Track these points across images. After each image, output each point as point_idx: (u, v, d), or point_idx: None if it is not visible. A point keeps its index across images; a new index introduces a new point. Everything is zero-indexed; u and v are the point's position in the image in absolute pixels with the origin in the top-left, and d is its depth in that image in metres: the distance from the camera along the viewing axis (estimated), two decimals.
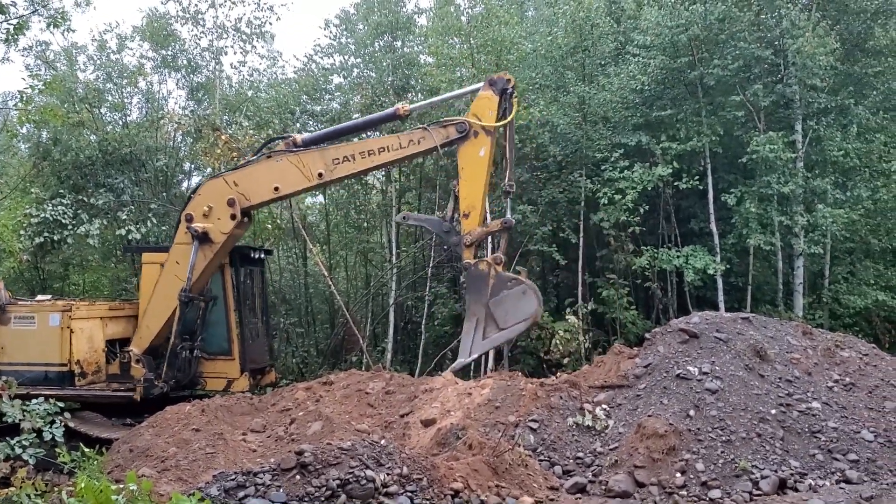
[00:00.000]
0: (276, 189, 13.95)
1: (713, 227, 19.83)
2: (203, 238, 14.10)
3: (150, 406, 13.84)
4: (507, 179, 14.00)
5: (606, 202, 18.89)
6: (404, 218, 15.48)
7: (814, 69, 18.84)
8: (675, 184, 19.28)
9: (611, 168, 19.13)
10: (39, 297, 15.44)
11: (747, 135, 19.53)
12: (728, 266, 19.76)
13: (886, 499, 8.45)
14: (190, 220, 14.21)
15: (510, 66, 20.51)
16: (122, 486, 7.20)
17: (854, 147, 19.76)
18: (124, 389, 14.26)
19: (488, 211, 14.61)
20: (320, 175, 13.69)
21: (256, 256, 16.36)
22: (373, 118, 15.46)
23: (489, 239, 15.79)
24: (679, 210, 21.39)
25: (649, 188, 18.89)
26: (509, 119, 13.57)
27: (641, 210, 19.09)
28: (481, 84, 13.90)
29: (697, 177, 19.37)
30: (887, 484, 8.91)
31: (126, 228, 20.22)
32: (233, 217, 14.07)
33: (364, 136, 20.05)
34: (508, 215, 13.88)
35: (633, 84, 19.63)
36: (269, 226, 23.34)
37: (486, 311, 13.09)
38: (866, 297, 20.08)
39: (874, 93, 20.52)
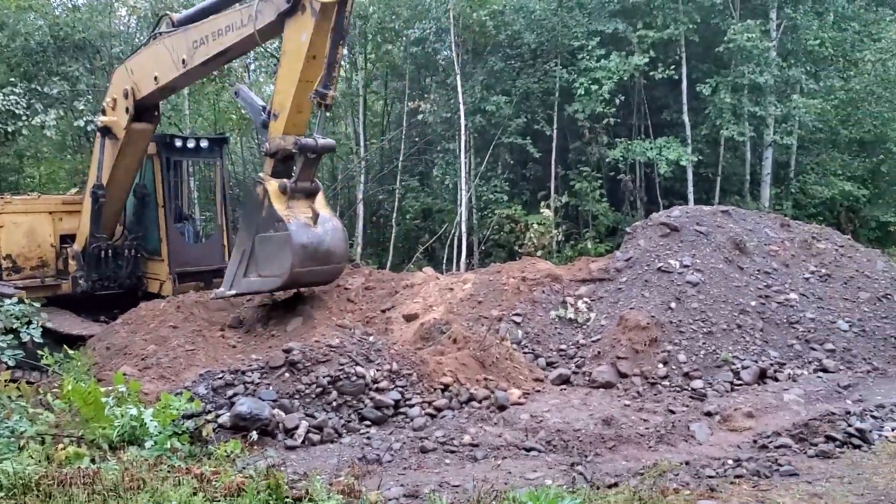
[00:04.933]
0: (156, 79, 12.17)
1: (685, 117, 19.67)
2: (106, 133, 12.94)
3: (118, 303, 13.63)
4: (318, 83, 10.10)
5: (583, 93, 18.55)
6: (236, 93, 12.64)
7: None
8: (651, 73, 18.96)
9: (587, 57, 18.70)
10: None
11: (724, 23, 19.17)
12: (699, 157, 19.75)
13: (862, 386, 8.69)
14: (104, 111, 13.03)
15: None
16: (110, 387, 7.05)
17: (829, 36, 19.55)
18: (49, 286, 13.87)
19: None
20: (184, 62, 11.73)
21: (197, 146, 14.58)
22: None
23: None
24: (652, 101, 21.14)
25: (625, 78, 18.56)
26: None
27: (617, 101, 18.80)
28: None
29: (672, 66, 19.07)
30: (862, 372, 9.16)
31: (84, 119, 19.38)
32: (127, 111, 12.58)
33: None
34: (317, 133, 10.81)
35: None
36: (234, 116, 22.58)
37: (252, 246, 10.81)
38: (833, 187, 20.29)
39: None
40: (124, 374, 8.27)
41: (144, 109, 12.81)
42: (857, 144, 21.97)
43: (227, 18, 11.26)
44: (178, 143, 14.30)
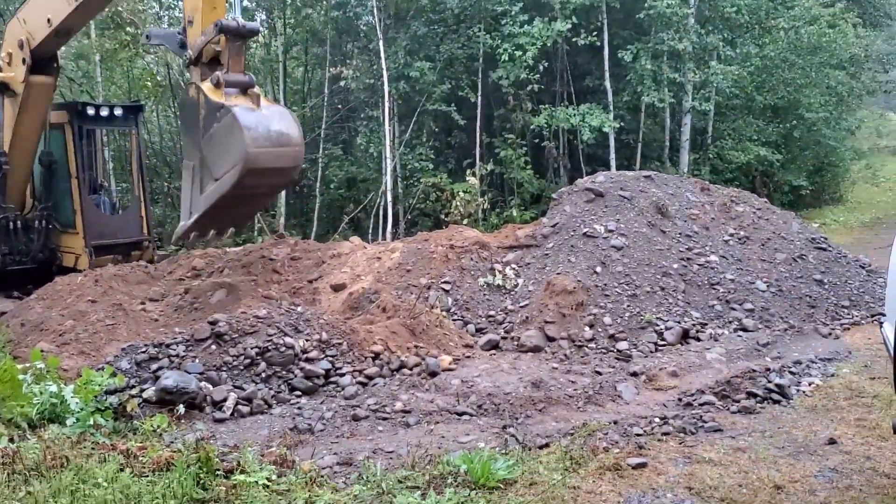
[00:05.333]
0: (49, 21, 11.50)
1: (607, 84, 19.89)
2: (4, 89, 12.36)
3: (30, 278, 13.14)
4: None
5: (506, 59, 18.54)
6: (147, 37, 11.60)
7: None
8: (573, 40, 19.07)
9: (511, 22, 18.68)
10: None
11: None
12: (621, 124, 20.04)
13: (780, 344, 9.02)
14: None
15: None
16: (27, 364, 6.77)
17: (745, 3, 19.99)
18: None
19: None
20: None
21: (112, 114, 14.05)
22: None
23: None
24: (574, 67, 21.30)
25: (548, 44, 18.63)
26: None
27: (541, 68, 18.87)
28: None
29: (595, 32, 19.22)
30: (780, 330, 9.49)
31: None
32: (24, 62, 11.99)
33: None
34: (238, 14, 10.54)
35: None
36: (149, 83, 21.76)
37: (201, 155, 9.86)
38: (748, 152, 20.88)
39: None
40: (42, 351, 7.97)
41: (42, 60, 12.20)
42: (771, 110, 22.64)
43: None
44: (91, 112, 13.78)
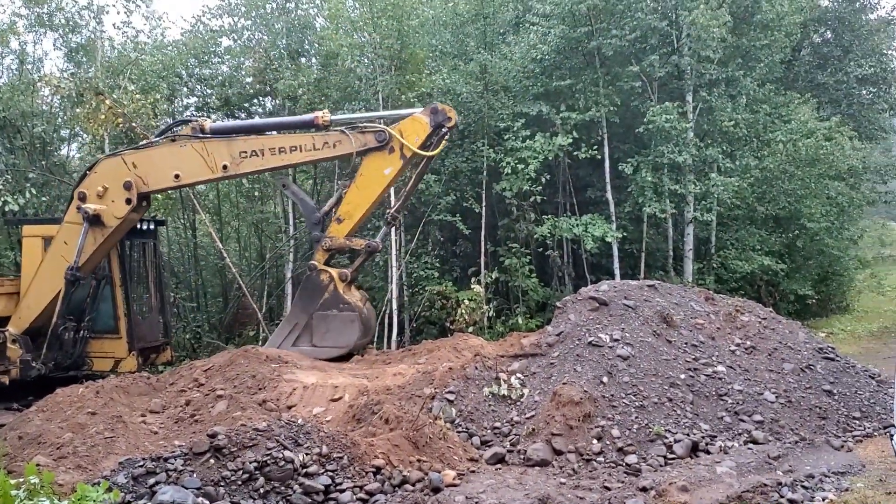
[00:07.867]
0: (177, 177, 13.31)
1: (609, 195, 20.17)
2: (94, 220, 13.33)
3: (31, 389, 13.33)
4: (394, 209, 14.31)
5: (510, 172, 18.91)
6: (284, 186, 14.88)
7: (707, 41, 19.29)
8: (575, 153, 19.48)
9: (513, 138, 19.14)
10: None
11: (643, 105, 19.91)
12: (624, 234, 20.21)
13: (791, 457, 8.80)
14: (83, 198, 13.37)
15: (411, 32, 20.17)
16: (21, 479, 6.61)
17: (742, 117, 20.49)
18: None
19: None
20: (225, 167, 13.08)
21: (145, 228, 15.43)
22: (287, 121, 15.02)
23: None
24: (576, 179, 21.66)
25: (550, 158, 19.03)
26: (432, 154, 13.23)
27: (543, 180, 19.22)
28: (420, 109, 13.48)
29: (595, 146, 19.64)
30: (790, 443, 9.29)
31: (2, 199, 18.80)
32: (128, 201, 13.33)
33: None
34: (378, 240, 13.87)
35: (533, 53, 19.64)
36: (159, 196, 22.13)
37: (308, 321, 13.11)
38: (752, 262, 20.93)
39: (760, 65, 21.30)
40: (37, 465, 7.82)
41: (141, 200, 13.58)
42: (773, 220, 22.80)
43: (293, 140, 13.14)
44: (139, 226, 14.97)
